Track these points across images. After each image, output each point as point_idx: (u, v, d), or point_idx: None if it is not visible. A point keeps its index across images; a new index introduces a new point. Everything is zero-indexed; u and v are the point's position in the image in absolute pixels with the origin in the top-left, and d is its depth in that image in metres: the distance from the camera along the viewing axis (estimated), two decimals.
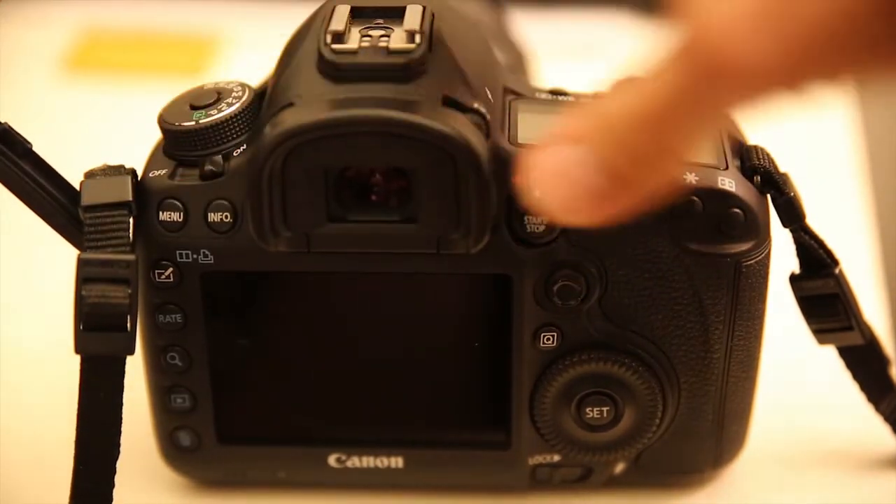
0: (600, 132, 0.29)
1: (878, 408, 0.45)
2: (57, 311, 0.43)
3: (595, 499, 0.45)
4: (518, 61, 0.58)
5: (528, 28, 0.63)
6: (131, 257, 0.39)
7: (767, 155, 0.41)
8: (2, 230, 0.56)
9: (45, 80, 0.70)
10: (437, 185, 0.38)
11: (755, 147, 0.42)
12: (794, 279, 0.43)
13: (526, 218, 0.40)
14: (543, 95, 0.43)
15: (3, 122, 0.39)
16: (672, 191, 0.31)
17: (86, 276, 0.38)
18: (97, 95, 0.69)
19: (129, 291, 0.38)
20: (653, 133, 0.29)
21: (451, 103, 0.38)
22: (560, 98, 0.43)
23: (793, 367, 0.49)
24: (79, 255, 0.38)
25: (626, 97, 0.29)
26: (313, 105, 0.38)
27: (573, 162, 0.29)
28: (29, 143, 0.40)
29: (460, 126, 0.37)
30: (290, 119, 0.37)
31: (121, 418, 0.40)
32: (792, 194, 0.41)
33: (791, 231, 0.42)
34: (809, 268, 0.43)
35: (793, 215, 0.41)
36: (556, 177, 0.30)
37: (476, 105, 0.38)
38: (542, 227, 0.40)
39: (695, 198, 0.39)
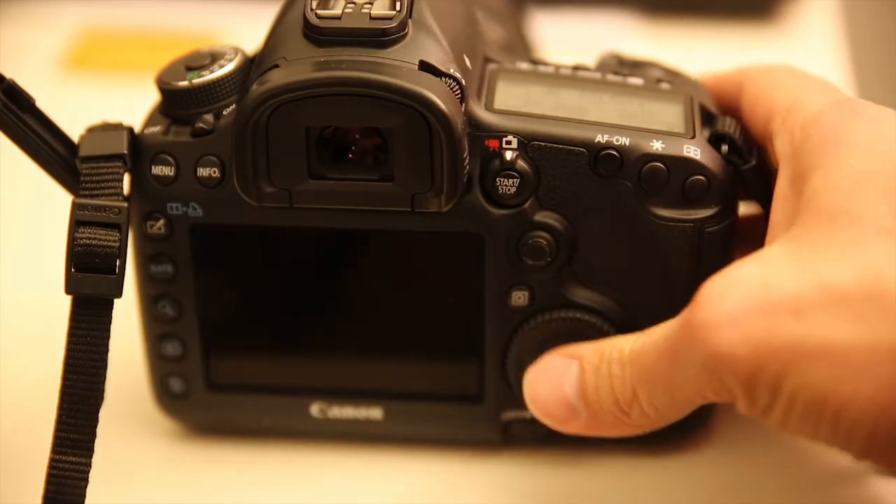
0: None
1: None
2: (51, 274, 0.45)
3: (566, 456, 0.47)
4: (520, 44, 0.59)
5: (534, 29, 0.65)
6: (123, 204, 0.41)
7: (736, 125, 0.43)
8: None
9: (45, 80, 0.72)
10: (412, 146, 0.40)
11: (725, 118, 0.43)
12: None
13: (498, 180, 0.41)
14: (524, 65, 0.45)
15: (7, 77, 0.42)
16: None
17: (79, 219, 0.40)
18: (97, 95, 0.71)
19: (120, 236, 0.40)
20: None
21: (427, 68, 0.40)
22: (540, 68, 0.45)
23: None
24: (73, 200, 0.41)
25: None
26: (297, 66, 0.40)
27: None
28: (32, 98, 0.42)
29: (434, 89, 0.39)
30: (274, 79, 0.40)
31: (106, 364, 0.41)
32: (756, 163, 0.42)
33: (758, 201, 0.44)
34: None
35: (757, 185, 0.43)
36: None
37: (452, 70, 0.40)
38: (513, 190, 0.42)
39: (661, 164, 0.41)
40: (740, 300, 0.35)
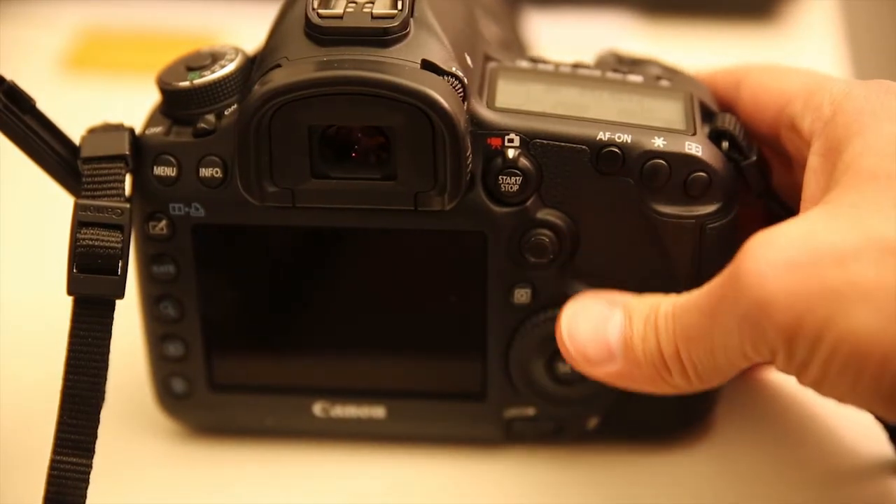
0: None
1: None
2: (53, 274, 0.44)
3: (568, 454, 0.47)
4: (515, 43, 0.59)
5: (528, 28, 0.65)
6: (125, 205, 0.41)
7: (736, 122, 0.43)
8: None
9: (44, 79, 0.72)
10: (415, 145, 0.40)
11: (725, 114, 0.43)
12: None
13: (500, 178, 0.41)
14: (524, 63, 0.45)
15: (8, 79, 0.42)
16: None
17: (81, 220, 0.40)
18: (97, 95, 0.71)
19: (122, 237, 0.40)
20: None
21: (430, 66, 0.40)
22: (539, 66, 0.45)
23: None
24: (76, 201, 0.41)
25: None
26: (299, 66, 0.40)
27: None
28: (33, 99, 0.42)
29: (437, 88, 0.39)
30: (277, 79, 0.40)
31: (107, 364, 0.41)
32: (756, 159, 0.42)
33: (758, 197, 0.44)
34: None
35: (758, 181, 0.43)
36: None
37: (454, 69, 0.40)
38: (515, 187, 0.42)
39: (662, 161, 0.41)
40: (784, 251, 0.35)
